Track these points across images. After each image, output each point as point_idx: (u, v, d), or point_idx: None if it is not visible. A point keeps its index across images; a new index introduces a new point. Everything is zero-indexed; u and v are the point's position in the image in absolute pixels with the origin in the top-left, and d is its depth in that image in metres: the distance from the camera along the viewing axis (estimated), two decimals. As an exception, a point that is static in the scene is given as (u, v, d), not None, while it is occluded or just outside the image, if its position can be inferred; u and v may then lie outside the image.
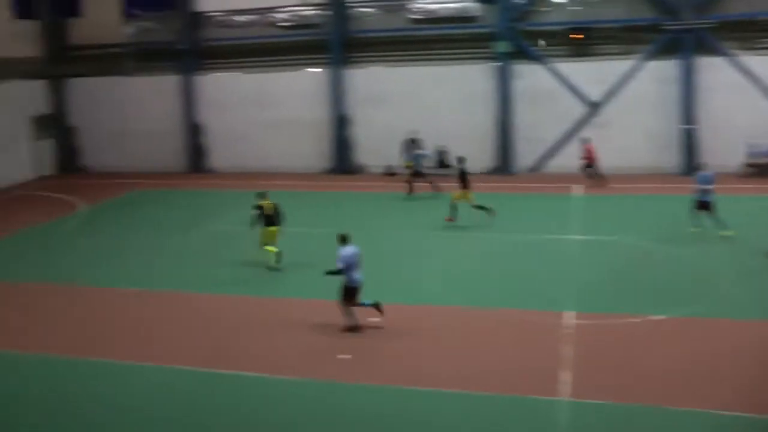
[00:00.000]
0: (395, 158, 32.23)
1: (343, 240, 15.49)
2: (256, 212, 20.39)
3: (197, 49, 36.65)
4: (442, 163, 32.54)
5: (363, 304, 15.66)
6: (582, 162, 30.24)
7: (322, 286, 16.62)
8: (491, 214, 24.15)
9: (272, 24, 35.48)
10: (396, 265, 20.52)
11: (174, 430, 12.25)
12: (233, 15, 36.00)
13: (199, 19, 36.51)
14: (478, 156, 31.76)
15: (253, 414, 12.53)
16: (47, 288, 19.85)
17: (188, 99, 36.69)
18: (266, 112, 35.38)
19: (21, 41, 36.85)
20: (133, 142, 37.28)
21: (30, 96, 37.17)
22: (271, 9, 35.28)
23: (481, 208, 24.11)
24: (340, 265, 15.13)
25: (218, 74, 36.52)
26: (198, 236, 24.57)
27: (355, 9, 34.45)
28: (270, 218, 20.30)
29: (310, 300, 17.76)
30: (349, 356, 14.51)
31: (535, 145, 32.75)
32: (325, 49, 34.37)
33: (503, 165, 33.15)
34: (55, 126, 38.61)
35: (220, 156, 36.65)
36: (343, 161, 34.66)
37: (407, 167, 30.11)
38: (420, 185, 28.94)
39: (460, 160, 24.71)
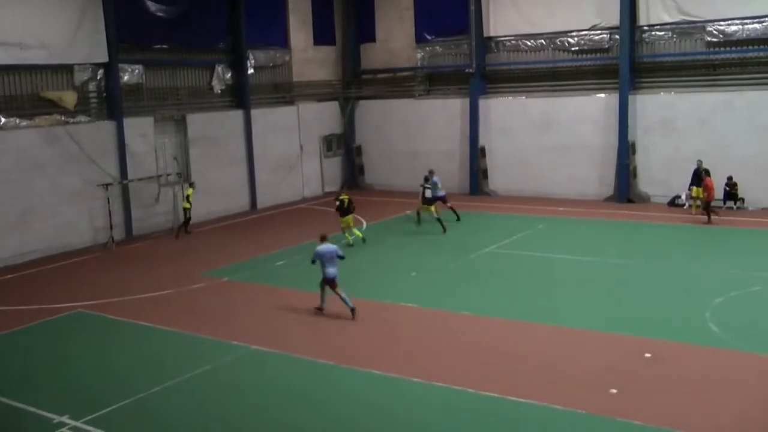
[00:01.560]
0: (681, 188, 31.25)
1: (322, 239, 18.73)
2: (336, 203, 26.34)
3: (484, 73, 37.22)
4: (731, 195, 30.53)
5: (344, 300, 18.39)
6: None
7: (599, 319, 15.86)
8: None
9: (560, 48, 35.30)
10: (685, 299, 19.36)
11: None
12: (522, 39, 36.16)
13: (487, 44, 37.01)
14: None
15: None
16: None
17: (473, 122, 37.27)
18: (549, 137, 35.23)
19: (319, 66, 39.91)
20: (415, 162, 38.32)
21: (323, 116, 39.97)
22: (561, 33, 35.13)
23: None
24: (313, 258, 18.48)
25: (503, 98, 36.81)
26: (475, 257, 24.88)
27: (647, 32, 33.21)
28: (345, 210, 26.07)
29: (583, 330, 17.45)
30: (615, 391, 14.10)
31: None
32: (613, 74, 33.53)
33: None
34: (343, 145, 40.86)
35: (498, 179, 36.91)
36: (624, 189, 33.34)
37: (696, 197, 29.10)
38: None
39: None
